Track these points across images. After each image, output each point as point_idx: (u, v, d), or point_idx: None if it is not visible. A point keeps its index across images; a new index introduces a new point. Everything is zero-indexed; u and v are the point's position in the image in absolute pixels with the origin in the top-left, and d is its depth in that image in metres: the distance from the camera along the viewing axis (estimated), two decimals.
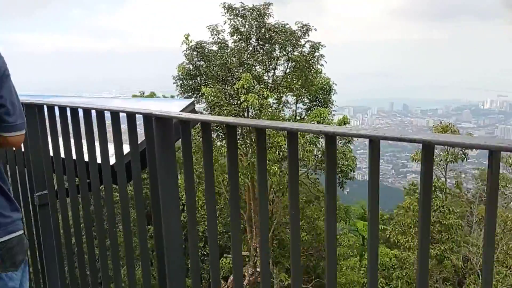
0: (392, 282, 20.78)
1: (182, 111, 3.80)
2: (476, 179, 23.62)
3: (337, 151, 12.94)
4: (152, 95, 30.61)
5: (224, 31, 18.91)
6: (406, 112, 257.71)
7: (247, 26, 18.52)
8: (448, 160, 18.18)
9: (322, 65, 18.60)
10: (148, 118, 2.40)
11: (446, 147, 18.53)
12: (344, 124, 19.86)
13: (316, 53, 18.39)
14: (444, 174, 18.36)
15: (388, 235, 18.94)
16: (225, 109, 16.93)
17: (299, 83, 18.47)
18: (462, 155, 17.72)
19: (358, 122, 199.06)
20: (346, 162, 19.40)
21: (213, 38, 18.85)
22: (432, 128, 18.70)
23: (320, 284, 20.68)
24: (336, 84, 19.65)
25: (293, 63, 18.34)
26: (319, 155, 19.26)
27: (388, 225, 37.41)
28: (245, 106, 16.89)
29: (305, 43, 18.46)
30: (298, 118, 20.13)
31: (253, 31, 18.41)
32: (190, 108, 3.93)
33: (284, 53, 18.28)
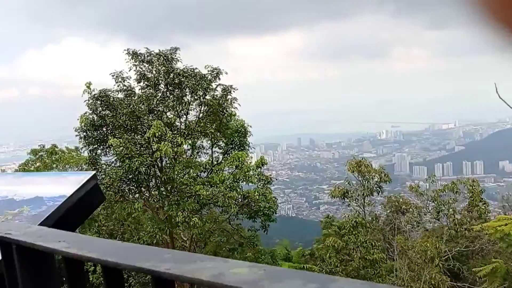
0: None
1: (80, 189, 2.80)
2: (384, 207, 24.24)
3: (257, 193, 11.97)
4: (53, 148, 27.98)
5: (130, 77, 17.77)
6: (313, 146, 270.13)
7: (154, 72, 17.58)
8: (364, 194, 18.40)
9: (236, 108, 18.13)
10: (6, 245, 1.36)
11: (361, 180, 18.77)
12: (262, 165, 19.40)
13: (229, 96, 17.90)
14: (363, 208, 18.51)
15: None
16: (136, 160, 15.56)
17: (213, 127, 17.74)
18: (378, 188, 18.07)
19: (270, 158, 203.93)
20: (268, 204, 18.79)
21: (118, 86, 17.57)
22: (347, 163, 18.94)
23: None
24: (251, 126, 19.26)
25: (206, 107, 17.64)
26: (240, 200, 18.47)
27: (309, 261, 37.26)
28: (158, 156, 15.67)
29: (216, 87, 17.92)
30: (215, 162, 19.28)
31: (161, 77, 17.49)
32: (92, 184, 2.90)
33: (196, 97, 17.55)
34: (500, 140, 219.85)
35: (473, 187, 20.06)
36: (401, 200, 24.12)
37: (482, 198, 20.85)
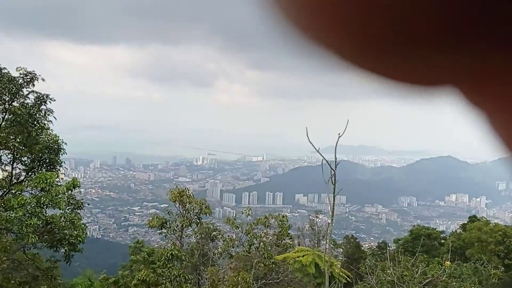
0: None
1: None
2: (195, 233, 24.05)
3: (64, 219, 10.28)
4: None
5: None
6: (129, 166, 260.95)
7: None
8: (183, 225, 17.86)
9: (51, 121, 15.74)
10: None
11: (182, 211, 18.22)
12: (74, 187, 17.19)
13: (43, 107, 15.46)
14: (180, 240, 17.88)
15: None
16: None
17: (18, 139, 15.00)
18: (197, 219, 17.77)
19: (80, 175, 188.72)
20: (75, 232, 16.60)
21: None
22: (168, 192, 18.19)
23: None
24: (66, 144, 16.93)
25: (12, 115, 14.84)
26: (41, 226, 15.89)
27: None
28: None
29: (28, 94, 15.31)
30: (15, 181, 16.27)
31: None
32: None
33: (0, 102, 14.64)
34: (298, 175, 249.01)
35: (283, 222, 21.42)
36: (211, 226, 24.39)
37: (289, 233, 22.43)
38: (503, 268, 23.93)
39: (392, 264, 21.28)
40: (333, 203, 22.90)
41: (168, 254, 16.39)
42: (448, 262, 23.39)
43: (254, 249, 21.63)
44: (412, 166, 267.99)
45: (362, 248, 42.27)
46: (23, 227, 13.51)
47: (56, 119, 15.73)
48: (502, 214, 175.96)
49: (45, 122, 15.66)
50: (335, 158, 23.10)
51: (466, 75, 0.37)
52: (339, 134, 22.26)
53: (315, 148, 23.44)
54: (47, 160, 16.49)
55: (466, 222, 41.94)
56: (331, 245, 28.02)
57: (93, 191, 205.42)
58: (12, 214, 13.52)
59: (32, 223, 13.70)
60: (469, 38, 0.34)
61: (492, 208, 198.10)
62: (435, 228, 47.22)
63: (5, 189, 15.49)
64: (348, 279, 23.97)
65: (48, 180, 14.39)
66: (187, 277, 16.57)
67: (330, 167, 22.65)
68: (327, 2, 0.34)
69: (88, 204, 20.39)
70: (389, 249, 33.73)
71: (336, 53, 0.37)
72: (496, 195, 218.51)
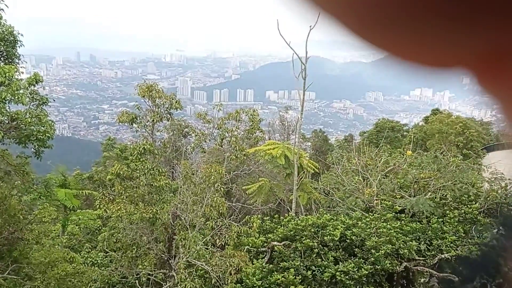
0: (98, 244, 19.72)
1: None
2: (167, 130, 24.21)
3: (30, 115, 10.01)
4: None
5: None
6: (94, 63, 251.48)
7: None
8: (154, 120, 17.70)
9: (2, 9, 14.45)
10: None
11: (152, 106, 17.96)
12: (36, 83, 16.45)
13: None
14: (151, 135, 17.83)
15: (98, 205, 17.29)
16: None
17: None
18: (168, 114, 17.58)
19: (42, 72, 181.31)
20: (43, 128, 16.26)
21: None
22: (137, 87, 17.66)
23: (19, 268, 17.49)
24: (22, 35, 15.78)
25: None
26: (7, 122, 15.48)
27: (88, 185, 35.34)
28: None
29: None
30: None
31: None
32: None
33: None
34: (269, 71, 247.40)
35: (253, 117, 21.61)
36: (183, 123, 24.48)
37: (259, 127, 22.77)
38: (461, 157, 25.51)
39: (357, 154, 22.32)
40: (303, 98, 23.09)
41: (141, 149, 16.46)
42: (410, 152, 24.67)
43: (226, 143, 22.05)
44: (381, 61, 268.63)
45: (330, 141, 43.89)
46: None
47: (7, 7, 14.44)
48: (464, 107, 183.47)
49: None
50: (306, 53, 22.75)
51: (480, 56, 0.36)
52: (310, 26, 21.64)
53: (286, 42, 22.88)
54: (4, 53, 15.48)
55: (429, 115, 43.55)
56: (300, 139, 28.93)
57: (58, 89, 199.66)
58: None
59: None
60: (485, 7, 0.32)
61: (455, 102, 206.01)
62: (399, 121, 49.03)
63: None
64: (316, 169, 25.14)
65: (6, 74, 13.62)
66: (160, 170, 16.87)
67: (301, 61, 22.39)
68: None
69: (54, 100, 19.75)
70: (354, 142, 35.19)
71: (342, 24, 0.35)
72: (460, 89, 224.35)
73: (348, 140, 41.63)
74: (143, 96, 17.34)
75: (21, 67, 16.37)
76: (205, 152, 24.01)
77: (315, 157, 33.75)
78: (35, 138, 16.26)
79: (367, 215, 16.73)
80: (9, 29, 15.27)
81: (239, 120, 21.06)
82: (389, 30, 0.35)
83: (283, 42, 22.21)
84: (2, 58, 15.50)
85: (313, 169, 24.90)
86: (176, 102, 17.66)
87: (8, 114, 15.32)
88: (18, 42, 15.86)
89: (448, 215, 16.41)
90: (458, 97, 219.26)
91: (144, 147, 16.67)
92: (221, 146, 22.01)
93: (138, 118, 17.56)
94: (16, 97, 14.05)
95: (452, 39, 0.35)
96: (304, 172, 23.87)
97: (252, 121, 21.91)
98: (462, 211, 16.67)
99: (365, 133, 44.61)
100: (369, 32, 0.36)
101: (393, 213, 16.78)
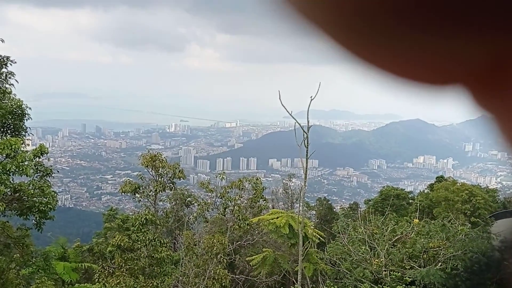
0: None
1: None
2: (170, 199, 24.14)
3: (33, 187, 9.94)
4: None
5: None
6: (99, 134, 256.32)
7: None
8: (157, 190, 17.72)
9: (12, 84, 15.03)
10: None
11: (155, 176, 18.06)
12: (41, 154, 16.69)
13: (4, 70, 14.71)
14: (154, 205, 17.76)
15: (97, 278, 16.80)
16: None
17: None
18: (171, 184, 17.64)
19: (48, 144, 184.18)
20: (45, 200, 16.25)
21: None
22: (140, 157, 17.89)
23: None
24: (30, 108, 16.28)
25: None
26: (10, 194, 15.49)
27: (88, 257, 34.48)
28: None
29: None
30: None
31: None
32: None
33: None
34: (271, 140, 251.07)
35: (257, 185, 21.58)
36: (186, 192, 24.40)
37: (263, 195, 22.65)
38: (469, 225, 25.00)
39: (363, 223, 21.92)
40: (306, 166, 23.17)
41: (143, 219, 16.31)
42: (417, 220, 24.23)
43: (229, 212, 21.83)
44: (382, 130, 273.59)
45: (334, 209, 43.30)
46: None
47: (18, 82, 15.04)
48: (468, 174, 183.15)
49: (7, 86, 14.96)
50: (308, 121, 23.19)
51: (476, 72, 0.34)
52: (311, 97, 22.25)
53: (288, 112, 23.42)
54: (11, 126, 15.87)
55: (433, 182, 43.34)
56: (304, 207, 28.60)
57: (63, 160, 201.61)
58: None
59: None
60: (482, 22, 0.30)
61: (459, 169, 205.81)
62: (404, 189, 48.71)
63: None
64: (321, 239, 24.60)
65: (13, 146, 13.86)
66: (162, 241, 16.60)
67: (303, 130, 22.76)
68: None
69: (58, 171, 19.93)
70: (360, 210, 34.71)
71: (326, 35, 0.33)
72: (463, 156, 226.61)
73: (353, 208, 41.08)
74: (147, 166, 17.51)
75: (27, 139, 16.71)
76: (207, 222, 23.69)
77: (320, 226, 33.12)
78: (37, 210, 16.19)
79: (376, 287, 16.11)
80: (18, 103, 15.79)
81: (242, 188, 21.05)
82: (379, 43, 0.32)
83: (285, 112, 22.76)
84: (9, 131, 15.86)
85: (319, 239, 24.37)
86: (179, 171, 17.77)
87: (11, 185, 15.40)
88: (26, 115, 16.32)
89: (460, 287, 15.77)
90: (461, 164, 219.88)
91: (146, 217, 16.53)
92: (224, 216, 21.76)
93: (141, 188, 17.59)
94: (21, 169, 14.19)
95: (447, 54, 0.33)
96: (309, 242, 23.33)
97: (255, 189, 21.85)
98: (475, 281, 16.04)
99: (370, 201, 44.12)
100: (357, 45, 0.33)
101: (403, 285, 16.16)
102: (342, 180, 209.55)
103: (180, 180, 18.29)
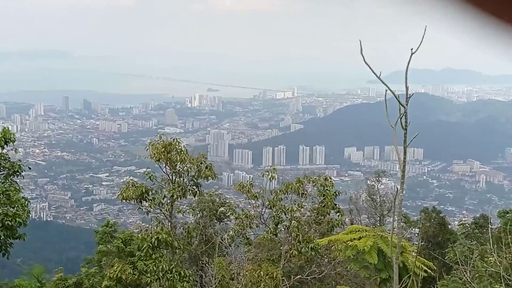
0: None
1: None
2: (193, 210, 24.58)
3: None
4: None
5: None
6: (88, 112, 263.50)
7: None
8: (174, 196, 18.10)
9: None
10: None
11: (171, 174, 18.41)
12: (6, 144, 17.41)
13: None
14: (169, 217, 18.21)
15: None
16: None
17: None
18: (194, 186, 17.92)
19: (15, 127, 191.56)
20: (12, 210, 16.93)
21: None
22: (148, 146, 18.19)
23: None
24: None
25: None
26: None
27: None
28: None
29: None
30: None
31: None
32: None
33: None
34: (348, 118, 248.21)
35: (326, 189, 21.54)
36: (217, 200, 24.57)
37: (335, 204, 22.58)
38: None
39: (496, 248, 21.37)
40: (404, 158, 22.80)
41: (153, 240, 16.69)
42: None
43: (283, 229, 21.93)
44: None
45: (450, 226, 42.68)
46: None
47: None
48: None
49: None
50: (406, 88, 22.77)
51: None
52: (411, 49, 21.85)
53: (374, 73, 23.13)
54: None
55: None
56: (402, 223, 28.20)
57: (37, 151, 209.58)
58: None
59: None
60: None
61: None
62: None
63: None
64: (429, 271, 24.29)
65: None
66: (183, 273, 16.97)
67: (399, 101, 22.41)
68: None
69: (30, 168, 20.75)
70: (491, 227, 33.90)
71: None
72: None
73: (481, 224, 40.31)
74: (158, 160, 17.87)
75: None
76: (250, 245, 23.94)
77: (426, 251, 32.75)
78: (0, 225, 16.89)
79: None
80: None
81: (303, 194, 21.04)
82: None
83: (370, 73, 22.50)
84: None
85: (425, 271, 24.09)
86: (206, 167, 18.04)
87: None
88: None
89: None
90: None
91: (158, 237, 16.91)
92: (276, 235, 21.90)
93: (150, 193, 18.00)
94: None
95: None
96: (410, 276, 23.09)
97: (324, 195, 21.81)
98: None
99: (507, 213, 43.08)
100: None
101: None
102: (461, 181, 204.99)
103: (208, 180, 18.58)
